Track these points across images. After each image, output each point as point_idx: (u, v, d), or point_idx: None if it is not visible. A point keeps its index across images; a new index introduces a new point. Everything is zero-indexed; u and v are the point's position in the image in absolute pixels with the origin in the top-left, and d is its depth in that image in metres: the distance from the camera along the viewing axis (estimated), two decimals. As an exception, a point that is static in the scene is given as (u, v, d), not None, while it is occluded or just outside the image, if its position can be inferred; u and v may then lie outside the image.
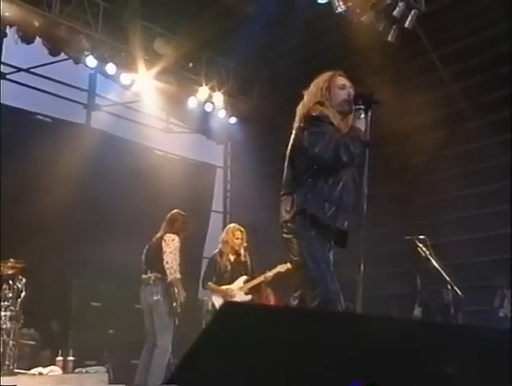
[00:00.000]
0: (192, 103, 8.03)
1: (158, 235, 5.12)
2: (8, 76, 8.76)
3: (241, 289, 5.30)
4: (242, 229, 5.53)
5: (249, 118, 8.47)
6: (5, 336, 4.95)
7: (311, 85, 3.11)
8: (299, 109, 3.05)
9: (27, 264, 5.45)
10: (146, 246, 5.21)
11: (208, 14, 7.30)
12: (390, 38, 6.90)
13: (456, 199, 8.46)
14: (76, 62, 6.72)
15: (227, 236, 5.47)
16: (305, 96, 3.10)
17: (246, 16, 7.62)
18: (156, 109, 8.97)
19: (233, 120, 8.53)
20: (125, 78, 7.34)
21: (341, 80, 3.07)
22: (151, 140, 10.17)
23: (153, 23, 7.20)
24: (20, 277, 5.32)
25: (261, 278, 5.37)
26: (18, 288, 5.24)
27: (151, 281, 4.89)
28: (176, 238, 4.96)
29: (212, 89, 7.99)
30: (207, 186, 10.03)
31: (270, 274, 5.37)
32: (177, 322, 4.83)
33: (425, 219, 8.83)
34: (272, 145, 7.81)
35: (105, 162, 8.09)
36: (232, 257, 5.41)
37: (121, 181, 8.03)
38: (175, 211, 5.21)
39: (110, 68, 6.97)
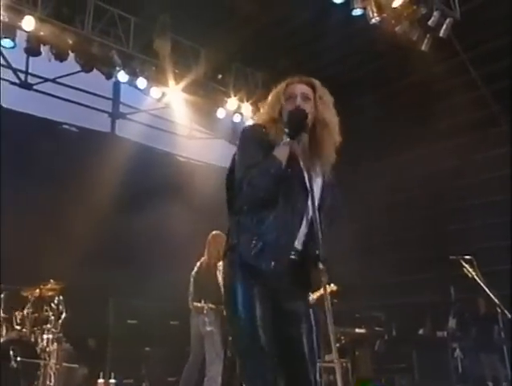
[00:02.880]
0: (221, 114, 8.00)
1: (209, 261, 4.99)
2: (35, 87, 8.84)
3: None
4: None
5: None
6: (48, 359, 4.96)
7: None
8: None
9: (64, 281, 5.47)
10: (194, 272, 5.07)
11: (236, 24, 7.25)
12: (423, 47, 6.79)
13: (487, 205, 8.34)
14: (108, 77, 6.72)
15: None
16: (261, 110, 2.51)
17: (273, 24, 7.55)
18: (180, 116, 8.91)
19: (261, 129, 8.45)
20: (155, 92, 7.32)
21: (291, 89, 2.37)
22: (174, 146, 10.17)
23: (183, 36, 7.16)
24: (60, 297, 5.34)
25: None
26: (58, 309, 5.25)
27: (205, 311, 4.77)
28: None
29: (241, 100, 7.95)
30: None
31: (313, 297, 5.20)
32: (229, 354, 4.76)
33: (455, 224, 8.73)
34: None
35: (131, 169, 8.05)
36: None
37: (147, 189, 8.00)
38: (215, 233, 5.06)
39: (141, 83, 6.95)
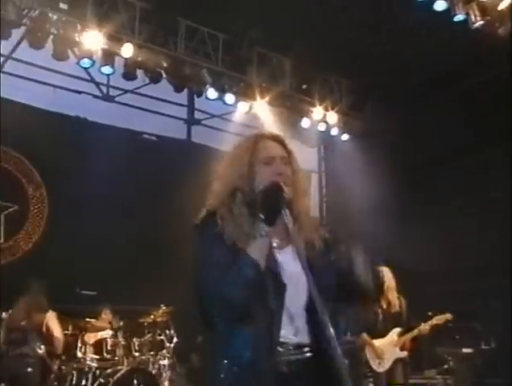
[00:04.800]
0: (306, 123, 7.89)
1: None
2: (116, 99, 9.00)
3: (395, 343, 5.00)
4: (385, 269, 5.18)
5: (362, 134, 8.22)
6: (165, 383, 5.08)
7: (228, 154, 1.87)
8: None
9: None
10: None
11: (320, 33, 7.06)
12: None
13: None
14: (198, 95, 6.75)
15: None
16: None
17: (356, 31, 7.31)
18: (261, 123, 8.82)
19: (345, 136, 8.31)
20: (243, 106, 7.31)
21: (267, 150, 1.78)
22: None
23: (267, 48, 7.07)
24: (170, 321, 5.44)
25: (415, 332, 5.00)
26: (170, 333, 5.36)
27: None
28: None
29: (326, 109, 7.81)
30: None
31: (426, 327, 4.98)
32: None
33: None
34: (381, 160, 7.48)
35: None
36: (384, 305, 5.07)
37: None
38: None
39: (229, 98, 6.95)
